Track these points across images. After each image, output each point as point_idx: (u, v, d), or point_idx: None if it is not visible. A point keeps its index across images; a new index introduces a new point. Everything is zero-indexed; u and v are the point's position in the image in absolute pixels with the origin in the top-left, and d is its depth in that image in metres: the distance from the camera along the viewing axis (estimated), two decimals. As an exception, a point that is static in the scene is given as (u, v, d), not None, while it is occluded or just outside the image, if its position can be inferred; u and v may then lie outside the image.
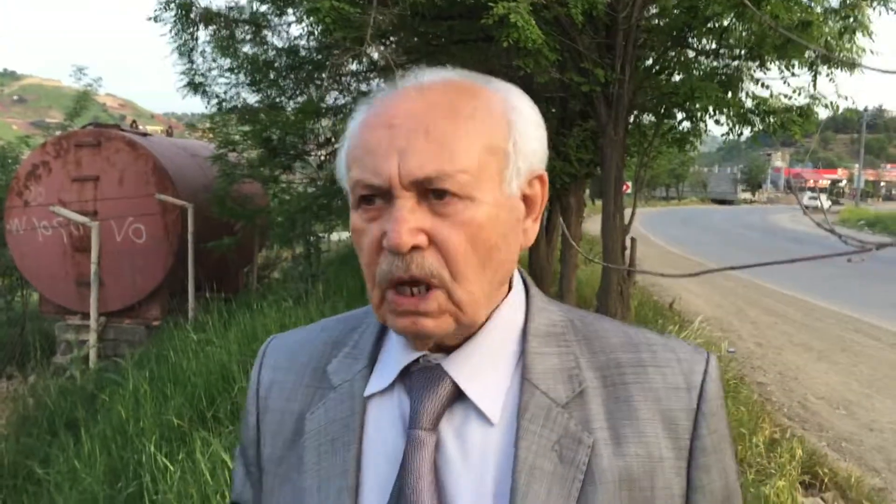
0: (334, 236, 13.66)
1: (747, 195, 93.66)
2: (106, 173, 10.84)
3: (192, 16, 7.48)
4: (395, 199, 0.80)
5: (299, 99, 9.84)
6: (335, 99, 10.26)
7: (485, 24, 4.51)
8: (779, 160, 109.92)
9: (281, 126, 9.38)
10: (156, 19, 7.46)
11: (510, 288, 0.92)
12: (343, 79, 9.83)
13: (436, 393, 0.86)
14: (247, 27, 8.32)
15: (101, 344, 10.13)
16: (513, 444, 0.83)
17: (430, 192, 0.80)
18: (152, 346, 8.47)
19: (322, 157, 11.16)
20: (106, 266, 10.31)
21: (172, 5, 7.35)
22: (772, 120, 5.89)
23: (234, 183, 10.62)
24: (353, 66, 9.55)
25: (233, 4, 8.21)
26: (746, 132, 6.50)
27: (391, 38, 7.45)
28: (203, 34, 7.98)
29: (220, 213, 10.50)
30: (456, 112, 0.82)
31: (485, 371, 0.87)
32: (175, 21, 7.47)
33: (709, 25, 5.58)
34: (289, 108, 9.83)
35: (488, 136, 0.82)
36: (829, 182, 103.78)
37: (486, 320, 0.88)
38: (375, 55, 8.55)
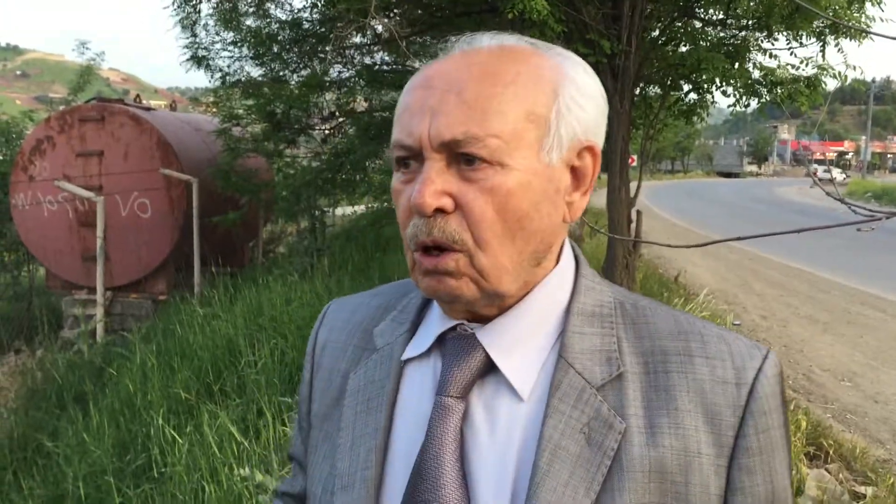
0: (338, 211, 13.64)
1: (753, 168, 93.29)
2: (110, 148, 10.82)
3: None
4: (425, 160, 0.81)
5: (303, 72, 9.78)
6: (339, 72, 10.21)
7: (490, -6, 4.46)
8: (785, 132, 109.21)
9: (285, 100, 9.34)
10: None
11: (557, 263, 0.90)
12: (347, 52, 9.77)
13: (466, 362, 0.85)
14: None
15: (108, 318, 10.18)
16: (540, 422, 0.82)
17: (461, 157, 0.79)
18: (159, 321, 8.51)
19: (326, 132, 11.13)
20: (112, 241, 10.33)
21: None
22: (779, 91, 5.83)
23: (239, 157, 10.59)
24: (357, 39, 9.49)
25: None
26: (753, 103, 6.45)
27: (395, 11, 7.39)
28: (206, 7, 7.92)
29: (225, 187, 10.50)
30: (495, 75, 0.80)
31: (520, 345, 0.86)
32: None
33: (716, -5, 5.52)
34: (292, 82, 9.77)
35: (529, 103, 0.81)
36: (835, 154, 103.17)
37: (527, 294, 0.87)
38: (379, 28, 8.50)
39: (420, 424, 0.86)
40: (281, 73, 9.73)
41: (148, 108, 12.26)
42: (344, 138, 10.71)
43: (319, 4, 7.49)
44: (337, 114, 10.82)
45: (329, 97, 10.60)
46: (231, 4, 8.08)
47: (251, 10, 8.59)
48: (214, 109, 11.15)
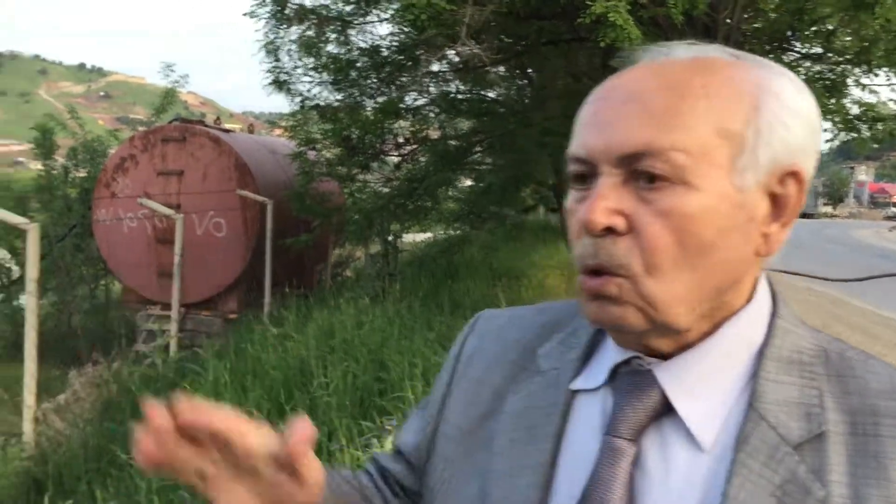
0: (408, 237, 13.72)
1: (828, 209, 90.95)
2: (190, 168, 11.11)
3: (286, 12, 7.59)
4: (599, 175, 0.74)
5: (379, 99, 9.89)
6: (414, 99, 10.31)
7: (581, 23, 4.42)
8: (863, 174, 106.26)
9: (360, 125, 9.45)
10: (251, 15, 7.60)
11: (750, 299, 0.80)
12: (422, 80, 9.86)
13: (640, 401, 0.77)
14: (333, 26, 8.38)
15: (180, 334, 10.35)
16: (724, 479, 0.72)
17: (640, 174, 0.72)
18: (231, 339, 8.60)
19: (399, 158, 11.21)
20: (186, 258, 10.53)
21: (268, 1, 7.48)
22: (880, 127, 5.59)
23: (313, 181, 10.73)
24: (435, 68, 9.58)
25: (319, 3, 8.29)
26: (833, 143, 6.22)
27: (481, 37, 7.42)
28: (295, 30, 8.09)
29: (299, 210, 10.61)
30: (684, 86, 0.73)
31: (702, 388, 0.76)
32: (270, 17, 7.58)
33: (814, 28, 5.36)
34: (369, 108, 9.89)
35: (721, 117, 0.72)
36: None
37: (714, 330, 0.77)
38: (456, 57, 8.56)
39: (585, 464, 0.78)
40: (358, 99, 9.85)
41: (227, 130, 12.56)
42: (417, 165, 10.77)
43: (406, 30, 7.55)
44: (410, 140, 10.90)
45: (403, 124, 10.69)
46: (319, 29, 8.22)
47: (333, 36, 8.72)
48: (291, 133, 11.33)
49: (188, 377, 6.91)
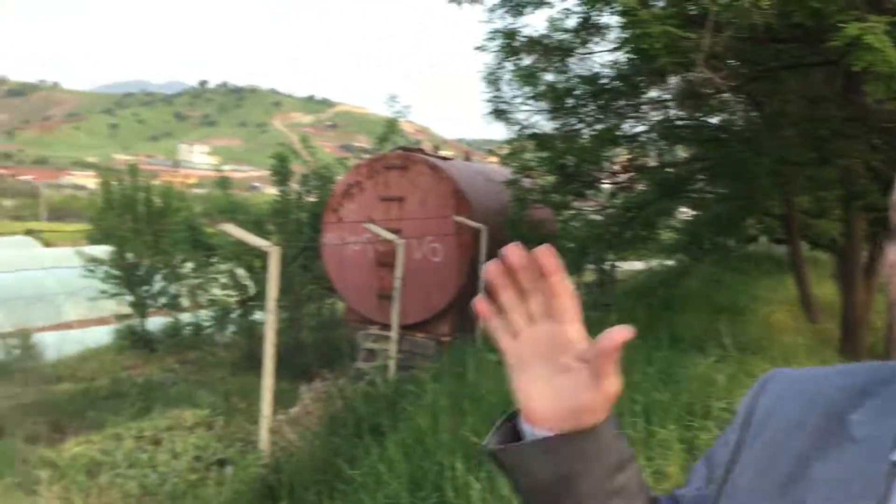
0: (626, 265, 13.44)
1: None
2: (410, 194, 11.57)
3: (514, 45, 7.77)
4: None
5: (596, 126, 9.80)
6: (631, 126, 10.11)
7: (831, 46, 4.13)
8: None
9: (576, 153, 9.40)
10: (481, 49, 7.89)
11: None
12: (641, 106, 9.65)
13: None
14: (556, 55, 8.45)
15: (398, 354, 10.76)
16: None
17: None
18: (447, 361, 8.81)
19: (615, 186, 11.02)
20: (404, 281, 10.97)
21: (498, 34, 7.71)
22: None
23: (527, 208, 10.81)
24: (653, 93, 9.36)
25: (543, 33, 8.39)
26: None
27: (712, 62, 7.16)
28: (527, 59, 8.25)
29: (513, 237, 10.71)
30: None
31: None
32: (499, 49, 7.81)
33: None
34: (585, 136, 9.82)
35: None
36: None
37: None
38: (680, 82, 8.30)
39: None
40: (575, 127, 9.82)
41: (444, 158, 12.98)
42: (633, 194, 10.55)
43: (631, 58, 7.44)
44: (627, 168, 10.69)
45: (619, 151, 10.52)
46: (544, 60, 8.32)
47: (554, 65, 8.77)
48: (506, 161, 11.50)
49: (407, 397, 7.14)
